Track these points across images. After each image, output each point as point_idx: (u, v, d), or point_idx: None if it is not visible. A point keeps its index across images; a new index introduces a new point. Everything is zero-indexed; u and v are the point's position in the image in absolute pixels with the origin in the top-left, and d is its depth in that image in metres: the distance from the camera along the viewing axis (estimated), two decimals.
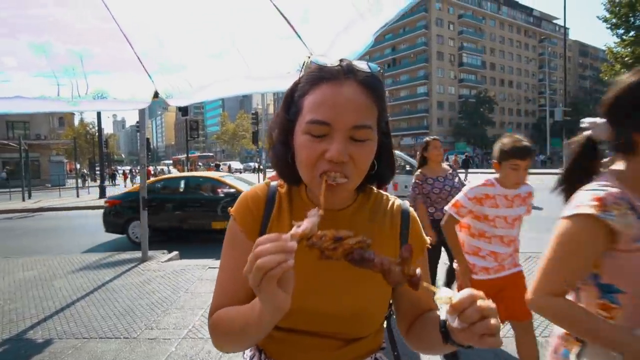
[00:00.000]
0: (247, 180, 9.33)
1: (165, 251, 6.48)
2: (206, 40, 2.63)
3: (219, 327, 0.79)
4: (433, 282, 0.71)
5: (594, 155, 1.11)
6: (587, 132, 1.12)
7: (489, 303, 0.58)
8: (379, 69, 0.79)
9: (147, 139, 9.61)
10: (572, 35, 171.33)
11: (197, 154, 53.25)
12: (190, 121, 21.90)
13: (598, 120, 1.09)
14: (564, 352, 1.09)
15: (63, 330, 3.58)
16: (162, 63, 2.81)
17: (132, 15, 2.62)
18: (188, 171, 22.96)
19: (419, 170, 3.60)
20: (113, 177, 34.76)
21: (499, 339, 0.57)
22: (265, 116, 32.09)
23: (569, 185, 1.13)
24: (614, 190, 0.98)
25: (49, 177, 31.38)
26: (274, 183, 0.90)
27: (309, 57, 2.09)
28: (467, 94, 66.57)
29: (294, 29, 2.25)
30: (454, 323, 0.59)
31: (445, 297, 0.60)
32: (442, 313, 0.63)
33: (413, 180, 3.61)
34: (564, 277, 1.03)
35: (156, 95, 2.86)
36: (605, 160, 1.11)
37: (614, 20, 18.37)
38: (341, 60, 0.77)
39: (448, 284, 3.66)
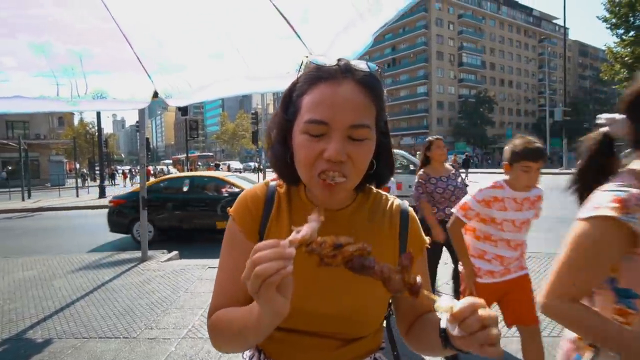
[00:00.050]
0: (251, 180, 9.33)
1: (165, 251, 6.49)
2: (206, 40, 2.63)
3: (217, 328, 0.78)
4: (433, 283, 0.71)
5: (611, 153, 1.06)
6: (604, 129, 1.07)
7: (490, 312, 0.57)
8: (377, 68, 0.78)
9: (147, 139, 9.61)
10: (572, 35, 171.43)
11: (197, 153, 53.19)
12: (189, 121, 21.93)
13: (617, 116, 1.04)
14: (577, 357, 1.04)
15: (63, 330, 3.59)
16: (162, 63, 2.81)
17: (131, 15, 2.62)
18: (188, 171, 22.98)
19: (422, 169, 3.58)
20: (113, 176, 34.80)
21: (499, 348, 0.56)
22: (265, 116, 32.16)
23: (583, 185, 1.06)
24: (636, 191, 0.92)
25: (48, 176, 31.40)
26: (273, 183, 0.90)
27: (307, 57, 2.08)
28: (467, 94, 66.57)
29: (293, 29, 2.25)
30: (454, 331, 0.59)
31: (445, 306, 0.59)
32: (443, 321, 0.63)
33: (416, 180, 3.59)
34: (576, 281, 0.97)
35: (155, 95, 2.85)
36: (621, 159, 1.06)
37: (613, 20, 18.42)
38: (339, 60, 0.76)
39: (456, 289, 3.50)
